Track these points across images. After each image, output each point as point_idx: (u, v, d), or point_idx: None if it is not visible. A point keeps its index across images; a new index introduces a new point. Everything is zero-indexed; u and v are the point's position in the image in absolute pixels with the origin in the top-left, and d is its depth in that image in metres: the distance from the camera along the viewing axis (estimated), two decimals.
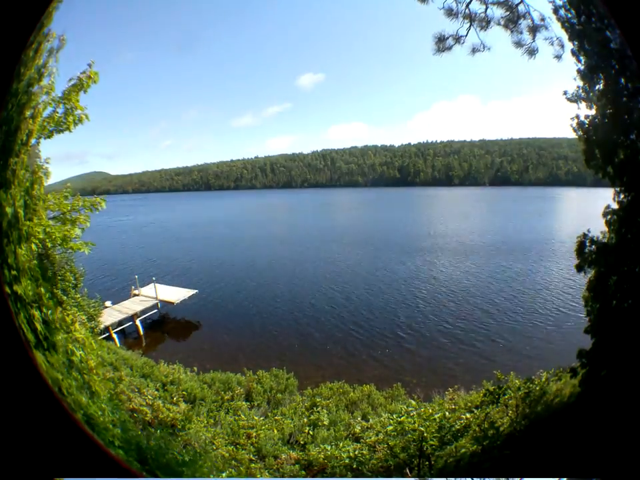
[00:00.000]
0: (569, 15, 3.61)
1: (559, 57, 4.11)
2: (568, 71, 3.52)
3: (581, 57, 3.44)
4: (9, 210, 2.93)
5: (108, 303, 21.70)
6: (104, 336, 17.42)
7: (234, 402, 10.15)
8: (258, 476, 6.12)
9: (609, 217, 3.24)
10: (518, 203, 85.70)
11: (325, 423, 8.71)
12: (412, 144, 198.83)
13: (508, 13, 4.38)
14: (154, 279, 23.50)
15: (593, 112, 3.42)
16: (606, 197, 3.27)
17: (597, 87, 3.36)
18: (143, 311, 21.78)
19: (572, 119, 3.49)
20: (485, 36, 4.55)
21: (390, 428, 5.78)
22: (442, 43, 4.73)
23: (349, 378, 13.60)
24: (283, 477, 6.42)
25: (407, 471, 5.58)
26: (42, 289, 3.29)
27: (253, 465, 6.35)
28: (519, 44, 4.42)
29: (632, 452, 2.46)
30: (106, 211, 5.01)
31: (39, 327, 2.94)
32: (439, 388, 12.00)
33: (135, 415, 6.60)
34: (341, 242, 44.38)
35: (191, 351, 18.10)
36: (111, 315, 20.16)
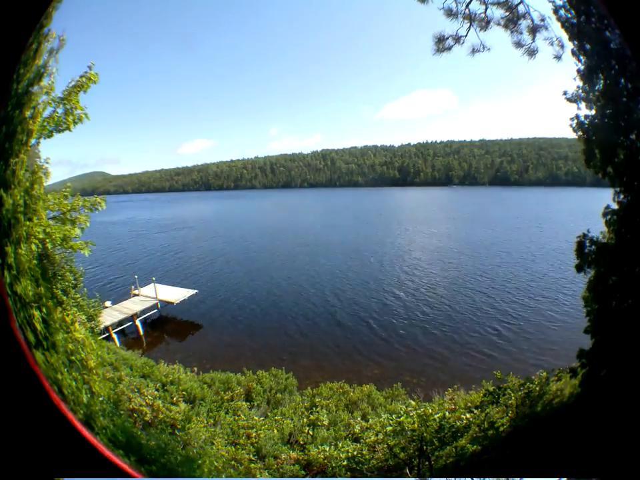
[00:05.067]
0: (569, 15, 3.61)
1: (558, 57, 4.11)
2: (568, 71, 3.52)
3: (581, 57, 3.44)
4: (9, 210, 2.93)
5: (108, 303, 21.70)
6: (104, 336, 17.41)
7: (234, 402, 10.15)
8: (258, 476, 6.12)
9: (608, 217, 3.23)
10: None
11: (324, 423, 8.71)
12: (412, 144, 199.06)
13: (508, 13, 4.38)
14: (154, 278, 23.49)
15: (592, 112, 3.42)
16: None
17: (596, 87, 3.36)
18: (143, 311, 21.77)
19: (572, 119, 3.49)
20: (484, 36, 4.56)
21: (390, 428, 5.78)
22: (442, 43, 4.73)
23: (348, 378, 13.60)
24: (282, 477, 6.42)
25: (407, 471, 5.58)
26: (42, 289, 3.29)
27: (253, 465, 6.35)
28: (519, 44, 4.43)
29: (632, 452, 2.46)
30: None
31: (38, 326, 2.94)
32: (439, 388, 12.00)
33: (134, 414, 6.59)
34: (341, 242, 44.38)
35: (191, 351, 18.10)
36: (110, 315, 20.15)
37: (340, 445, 6.65)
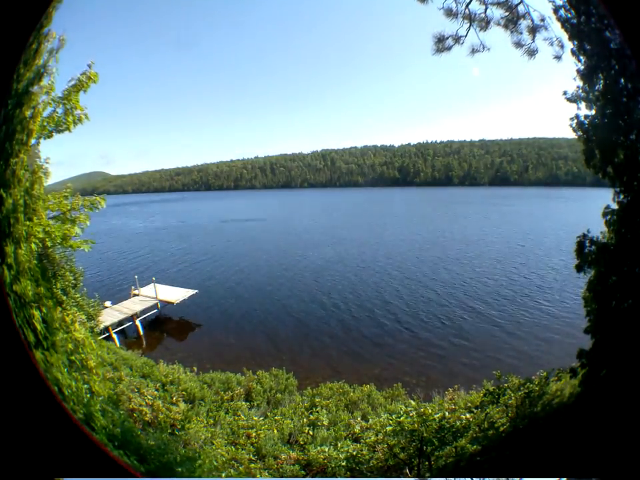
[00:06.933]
0: (569, 15, 3.61)
1: (558, 57, 4.11)
2: (568, 71, 3.52)
3: (581, 57, 3.44)
4: (9, 210, 2.94)
5: (108, 303, 21.69)
6: (104, 336, 17.41)
7: (234, 402, 10.15)
8: (258, 476, 6.12)
9: (608, 217, 3.24)
10: None
11: (324, 423, 8.71)
12: (412, 144, 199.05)
13: (508, 13, 4.38)
14: (154, 279, 23.48)
15: (592, 112, 3.42)
16: None
17: (596, 87, 3.36)
18: (143, 311, 21.75)
19: (572, 119, 3.49)
20: (484, 36, 4.55)
21: (389, 428, 5.78)
22: (441, 43, 4.72)
23: (348, 378, 13.59)
24: (282, 477, 6.42)
25: (407, 471, 5.58)
26: (42, 289, 3.29)
27: (253, 465, 6.35)
28: (518, 44, 4.42)
29: (632, 452, 2.46)
30: None
31: (38, 326, 2.94)
32: (439, 388, 12.00)
33: (134, 414, 6.60)
34: (341, 242, 44.39)
35: (191, 351, 18.09)
36: (110, 315, 20.14)
37: (340, 445, 6.65)
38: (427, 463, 5.49)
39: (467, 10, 4.47)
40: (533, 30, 4.28)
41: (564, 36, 3.83)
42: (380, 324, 20.45)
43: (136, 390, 7.67)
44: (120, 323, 20.12)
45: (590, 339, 3.43)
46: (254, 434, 7.59)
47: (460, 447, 5.34)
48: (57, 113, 4.06)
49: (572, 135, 3.54)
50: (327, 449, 6.54)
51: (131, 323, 20.71)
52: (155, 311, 22.65)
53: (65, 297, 5.10)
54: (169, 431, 6.68)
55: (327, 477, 6.15)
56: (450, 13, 4.50)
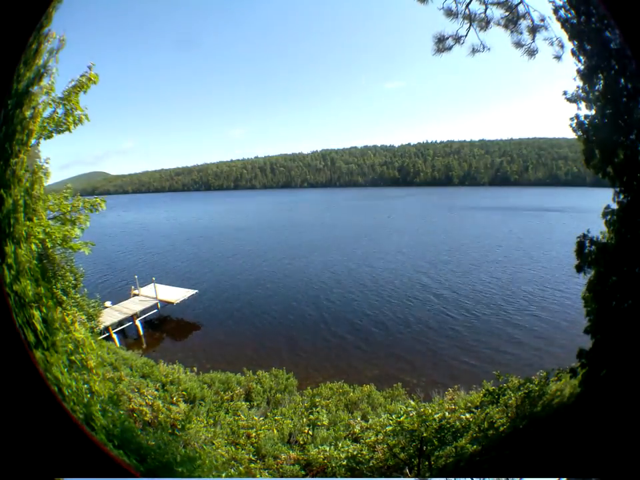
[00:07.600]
0: (569, 15, 3.61)
1: (558, 57, 4.11)
2: (568, 71, 3.52)
3: (581, 57, 3.43)
4: (9, 210, 2.93)
5: (108, 303, 21.69)
6: (104, 336, 17.41)
7: (234, 402, 10.15)
8: (258, 476, 6.12)
9: (608, 217, 3.23)
10: None
11: (324, 423, 8.71)
12: (412, 144, 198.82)
13: (508, 13, 4.38)
14: (154, 279, 23.48)
15: (592, 112, 3.42)
16: None
17: (596, 87, 3.35)
18: (143, 311, 21.76)
19: (572, 119, 3.49)
20: (484, 36, 4.55)
21: (389, 428, 5.78)
22: (441, 43, 4.72)
23: (348, 378, 13.59)
24: (282, 477, 6.42)
25: (407, 471, 5.59)
26: (42, 289, 3.29)
27: (253, 464, 6.35)
28: (518, 44, 4.42)
29: (632, 452, 2.47)
30: None
31: (38, 326, 2.94)
32: (439, 388, 12.00)
33: (134, 414, 6.60)
34: (340, 242, 44.38)
35: (191, 351, 18.10)
36: (111, 315, 20.15)
37: (340, 445, 6.65)
38: (426, 462, 5.49)
39: (467, 10, 4.46)
40: (533, 30, 4.28)
41: (564, 36, 3.83)
42: (380, 324, 20.45)
43: (136, 390, 7.67)
44: (120, 322, 20.13)
45: (590, 339, 3.43)
46: (254, 434, 7.59)
47: (460, 446, 5.34)
48: (57, 113, 4.07)
49: (572, 134, 3.54)
50: (327, 449, 6.53)
51: (130, 322, 20.71)
52: (155, 310, 22.66)
53: (65, 297, 5.10)
54: (169, 430, 6.67)
55: (327, 477, 6.15)
56: (450, 13, 4.49)
